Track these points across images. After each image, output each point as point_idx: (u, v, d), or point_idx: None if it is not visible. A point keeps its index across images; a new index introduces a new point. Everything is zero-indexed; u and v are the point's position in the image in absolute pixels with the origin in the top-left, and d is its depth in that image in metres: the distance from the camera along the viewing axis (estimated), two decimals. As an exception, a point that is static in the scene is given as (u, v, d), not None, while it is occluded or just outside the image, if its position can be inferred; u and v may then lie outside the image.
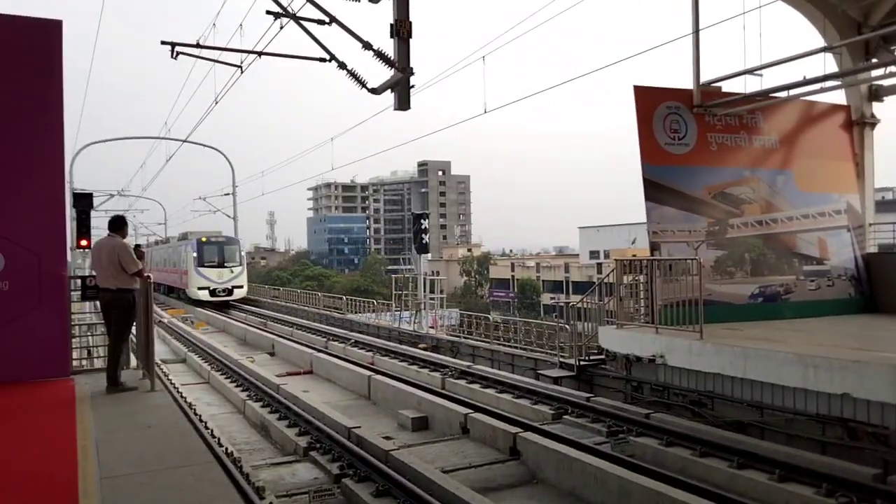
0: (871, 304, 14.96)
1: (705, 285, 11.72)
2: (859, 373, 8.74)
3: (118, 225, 8.95)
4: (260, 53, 13.96)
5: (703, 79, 14.44)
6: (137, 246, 9.97)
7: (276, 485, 8.77)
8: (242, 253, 40.01)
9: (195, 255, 38.06)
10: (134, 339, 10.06)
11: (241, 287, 39.17)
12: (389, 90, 11.28)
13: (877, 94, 16.20)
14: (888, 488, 7.65)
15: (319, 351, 18.20)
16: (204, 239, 38.75)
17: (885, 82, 15.88)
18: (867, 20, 15.44)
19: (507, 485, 8.98)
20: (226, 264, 38.47)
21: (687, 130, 14.23)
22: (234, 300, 38.68)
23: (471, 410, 11.30)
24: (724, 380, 10.77)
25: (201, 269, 37.90)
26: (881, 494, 7.48)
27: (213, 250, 38.61)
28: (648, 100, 14.01)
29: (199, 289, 37.73)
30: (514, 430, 9.99)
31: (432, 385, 14.58)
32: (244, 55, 14.73)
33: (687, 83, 14.55)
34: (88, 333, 15.50)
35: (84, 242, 16.41)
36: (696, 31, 14.14)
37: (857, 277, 15.15)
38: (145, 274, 8.93)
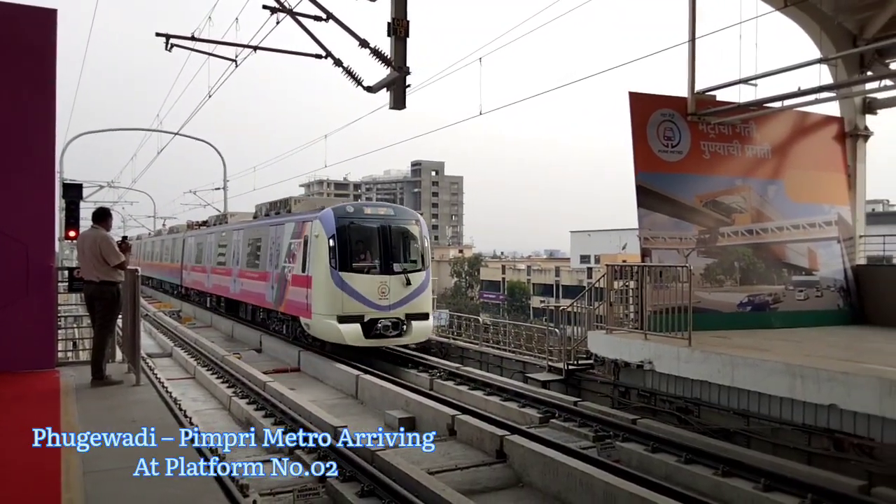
0: (859, 316, 15.04)
1: (695, 293, 11.75)
2: (846, 384, 8.78)
3: (101, 216, 8.87)
4: (255, 48, 13.89)
5: (698, 87, 14.49)
6: (124, 238, 9.89)
7: (260, 483, 8.71)
8: (427, 243, 18.22)
9: (331, 244, 16.79)
10: (120, 333, 9.98)
11: (425, 316, 17.53)
12: (385, 89, 11.24)
13: (870, 106, 16.30)
14: (873, 500, 7.68)
15: (307, 348, 18.12)
16: (350, 210, 17.46)
17: (879, 95, 15.99)
18: (862, 33, 15.54)
19: (493, 487, 8.96)
20: (397, 267, 17.23)
21: (680, 138, 14.27)
22: (408, 344, 17.78)
23: (458, 412, 11.28)
24: (712, 387, 10.80)
25: (347, 278, 16.70)
26: (865, 506, 7.50)
27: (372, 237, 17.30)
28: (643, 106, 14.04)
29: (343, 320, 16.52)
30: (501, 432, 9.98)
31: (420, 386, 14.55)
32: (239, 49, 14.65)
33: (682, 91, 14.60)
34: (75, 325, 15.39)
35: (72, 233, 16.26)
36: (693, 40, 14.17)
37: (846, 289, 15.23)
38: (128, 266, 8.85)
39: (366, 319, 16.46)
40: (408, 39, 10.81)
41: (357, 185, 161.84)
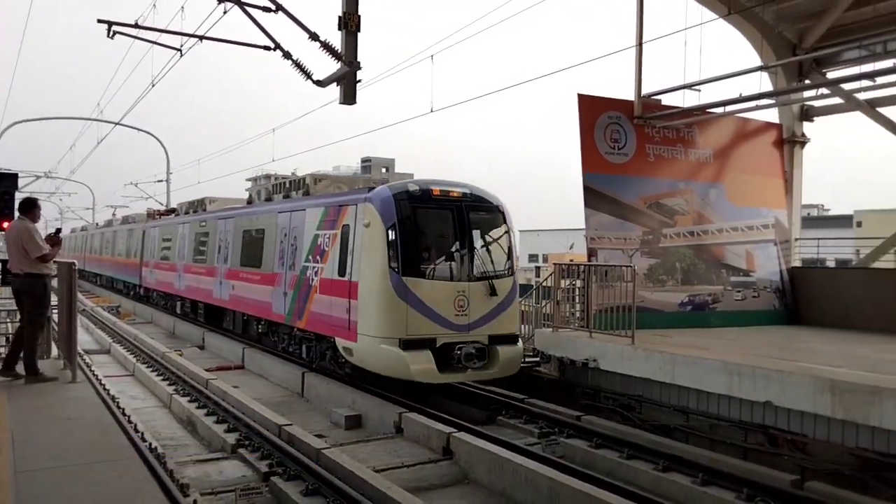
0: (794, 316, 15.59)
1: (638, 292, 11.98)
2: (781, 382, 9.08)
3: (27, 207, 8.59)
4: (201, 38, 13.57)
5: (645, 91, 14.79)
6: (57, 231, 9.54)
7: (201, 482, 8.53)
8: (514, 238, 13.10)
9: (391, 237, 11.66)
10: (55, 328, 9.65)
11: (513, 339, 12.53)
12: (335, 83, 11.14)
13: (808, 114, 16.91)
14: (805, 494, 7.96)
15: (252, 345, 17.82)
16: (413, 189, 12.25)
17: (816, 103, 16.59)
18: (802, 42, 16.10)
19: (439, 485, 8.97)
20: (479, 270, 12.26)
21: (627, 140, 14.54)
22: (492, 379, 12.46)
23: (405, 409, 11.26)
24: (654, 385, 11.04)
25: (415, 286, 11.57)
26: (798, 500, 7.77)
27: (446, 228, 12.30)
28: (591, 108, 14.26)
29: (408, 345, 11.39)
30: (447, 430, 9.99)
31: (366, 383, 14.46)
32: (184, 39, 14.30)
33: (628, 94, 14.88)
34: (7, 320, 14.81)
35: (5, 225, 15.65)
36: (640, 44, 14.46)
37: (781, 290, 15.76)
38: (52, 260, 8.56)
39: (438, 344, 11.56)
40: (359, 34, 10.73)
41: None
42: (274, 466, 8.95)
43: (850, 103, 15.45)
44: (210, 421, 11.37)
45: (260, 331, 17.44)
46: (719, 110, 14.67)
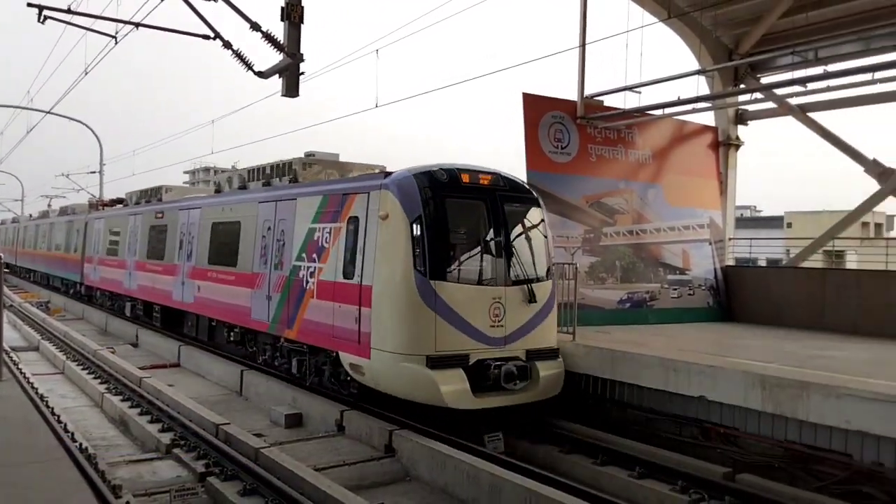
0: (727, 314, 16.08)
1: (579, 290, 12.16)
2: (714, 377, 9.35)
3: None
4: (137, 25, 13.14)
5: (588, 92, 15.02)
6: None
7: (134, 483, 8.28)
8: (550, 235, 11.40)
9: (416, 232, 9.81)
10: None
11: (553, 354, 10.77)
12: (277, 75, 10.94)
13: (742, 117, 17.46)
14: (737, 486, 8.23)
15: (188, 343, 17.38)
16: (439, 174, 10.24)
17: (750, 107, 17.17)
18: (738, 48, 16.61)
19: (381, 482, 8.91)
20: (516, 272, 10.37)
21: (570, 140, 14.74)
22: (527, 406, 10.32)
23: (347, 407, 11.15)
24: (594, 380, 11.22)
25: (445, 292, 9.74)
26: (730, 491, 8.02)
27: (479, 223, 10.57)
28: (536, 108, 14.40)
29: (437, 363, 9.56)
30: (390, 427, 9.94)
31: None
32: (119, 26, 13.82)
33: (572, 95, 15.09)
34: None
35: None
36: (583, 45, 14.67)
37: (715, 288, 16.25)
38: None
39: (471, 362, 9.81)
40: (302, 25, 10.56)
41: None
42: (210, 466, 8.76)
43: (783, 108, 16.01)
44: (143, 420, 11.05)
45: (232, 339, 15.03)
46: (658, 112, 15.03)
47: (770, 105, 16.54)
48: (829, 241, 16.97)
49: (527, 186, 11.35)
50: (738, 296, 16.19)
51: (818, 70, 13.68)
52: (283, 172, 14.33)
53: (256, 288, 13.55)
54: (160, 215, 19.83)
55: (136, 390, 12.76)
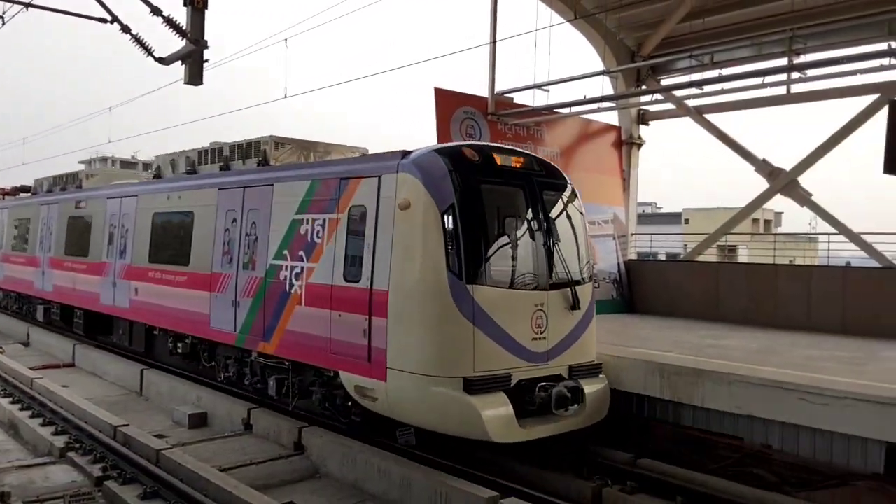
0: (630, 306, 16.70)
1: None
2: (617, 367, 9.68)
3: None
4: (27, 5, 12.33)
5: (498, 89, 15.24)
6: None
7: (25, 490, 7.81)
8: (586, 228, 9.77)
9: (449, 225, 8.05)
10: None
11: (596, 370, 9.30)
12: (180, 62, 10.52)
13: (644, 118, 18.16)
14: (639, 471, 8.58)
15: (84, 341, 16.50)
16: (470, 154, 8.63)
17: (652, 108, 17.88)
18: (640, 50, 17.27)
19: (291, 480, 8.76)
20: (557, 273, 8.85)
21: (481, 135, 14.92)
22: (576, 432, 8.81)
23: (255, 405, 10.89)
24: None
25: (485, 298, 8.07)
26: (633, 476, 8.36)
27: (518, 213, 8.90)
28: (448, 103, 14.50)
29: (475, 386, 7.88)
30: (299, 424, 9.78)
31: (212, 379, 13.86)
32: (7, 5, 12.93)
33: (483, 91, 15.26)
34: None
35: None
36: (494, 42, 14.86)
37: (619, 281, 16.83)
38: None
39: (513, 383, 8.23)
40: (206, 11, 10.20)
41: (147, 165, 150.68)
42: (108, 470, 8.37)
43: (681, 109, 16.75)
44: (35, 423, 10.45)
45: (180, 351, 12.86)
46: (566, 111, 15.42)
47: (670, 106, 17.27)
48: (723, 237, 17.91)
49: (561, 171, 9.79)
50: (639, 288, 16.83)
51: (714, 73, 14.37)
52: (247, 154, 12.27)
53: (218, 291, 11.42)
54: (81, 205, 17.21)
55: (27, 392, 12.05)
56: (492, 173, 8.61)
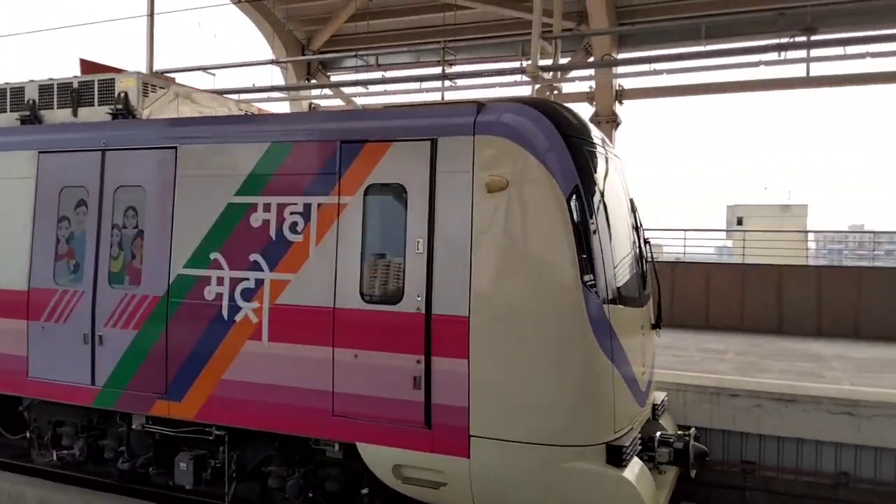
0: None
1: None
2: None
3: None
4: None
5: (157, 67, 14.17)
6: None
7: None
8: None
9: (576, 217, 5.47)
10: None
11: (662, 406, 7.39)
12: None
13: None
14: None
15: None
16: (572, 119, 6.03)
17: (323, 102, 18.12)
18: (310, 44, 17.43)
19: None
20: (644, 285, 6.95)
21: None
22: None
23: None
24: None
25: (617, 319, 5.68)
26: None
27: (620, 197, 6.72)
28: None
29: (619, 455, 5.41)
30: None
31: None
32: None
33: (141, 67, 14.05)
34: None
35: None
36: (151, 15, 13.79)
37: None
38: None
39: (630, 440, 5.76)
40: None
41: None
42: None
43: (349, 105, 17.28)
44: None
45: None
46: (235, 97, 14.92)
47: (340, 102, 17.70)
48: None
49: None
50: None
51: (378, 75, 15.12)
52: (79, 99, 7.98)
53: (45, 319, 7.36)
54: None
55: None
56: (592, 144, 6.18)
